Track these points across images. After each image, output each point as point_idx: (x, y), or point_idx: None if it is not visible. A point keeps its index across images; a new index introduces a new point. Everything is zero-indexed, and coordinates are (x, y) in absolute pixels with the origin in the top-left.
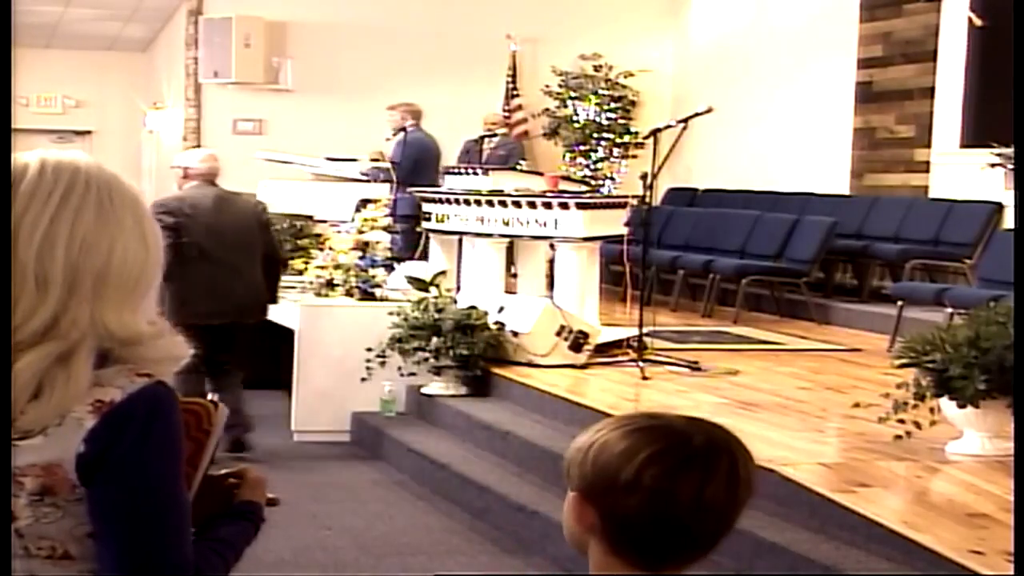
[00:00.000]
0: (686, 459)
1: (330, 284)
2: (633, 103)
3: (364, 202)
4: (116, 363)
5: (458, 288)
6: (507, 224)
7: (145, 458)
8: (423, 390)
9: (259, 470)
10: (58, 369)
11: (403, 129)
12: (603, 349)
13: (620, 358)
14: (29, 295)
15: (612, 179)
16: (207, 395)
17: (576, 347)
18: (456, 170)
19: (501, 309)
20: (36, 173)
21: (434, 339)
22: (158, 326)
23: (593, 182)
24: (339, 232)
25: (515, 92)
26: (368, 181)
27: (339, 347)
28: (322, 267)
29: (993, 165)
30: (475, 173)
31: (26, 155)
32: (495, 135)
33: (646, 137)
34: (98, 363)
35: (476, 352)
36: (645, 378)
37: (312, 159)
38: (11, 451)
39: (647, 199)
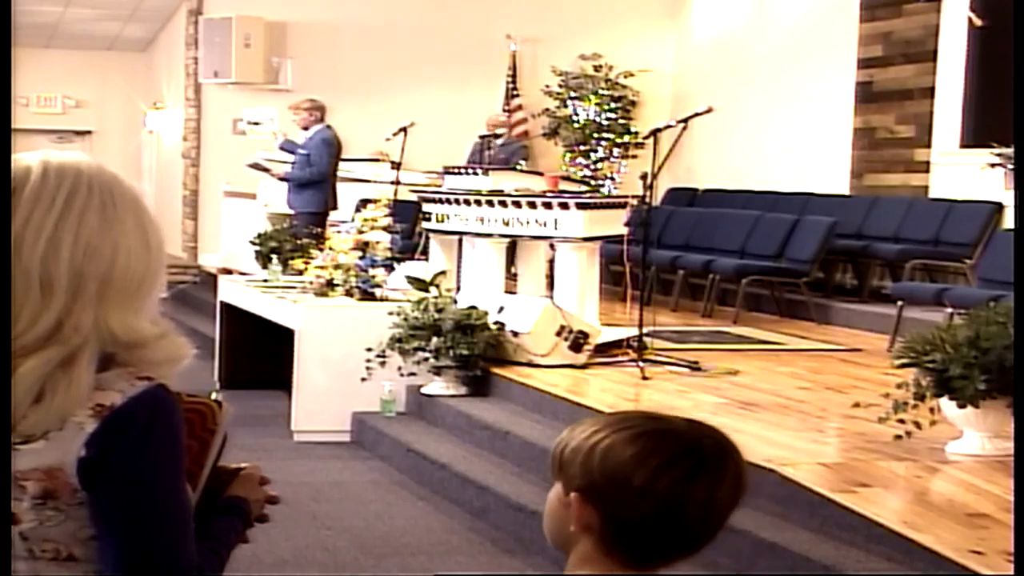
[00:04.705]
0: (698, 465)
1: (330, 284)
2: (633, 103)
3: (364, 202)
4: (118, 366)
5: (458, 288)
6: (507, 224)
7: (146, 461)
8: (423, 390)
9: (260, 469)
10: (60, 374)
11: (314, 124)
12: (603, 349)
13: (620, 358)
14: (34, 300)
15: (612, 179)
16: (211, 393)
17: (576, 347)
18: (456, 170)
19: (501, 309)
20: (39, 176)
21: (434, 339)
22: (160, 327)
23: (593, 182)
24: (339, 232)
25: (515, 92)
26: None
27: (339, 347)
28: (322, 267)
29: (993, 165)
30: (475, 173)
31: (27, 157)
32: (498, 135)
33: (646, 137)
34: (101, 366)
35: (476, 352)
36: (645, 378)
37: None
38: (11, 455)
39: (647, 199)
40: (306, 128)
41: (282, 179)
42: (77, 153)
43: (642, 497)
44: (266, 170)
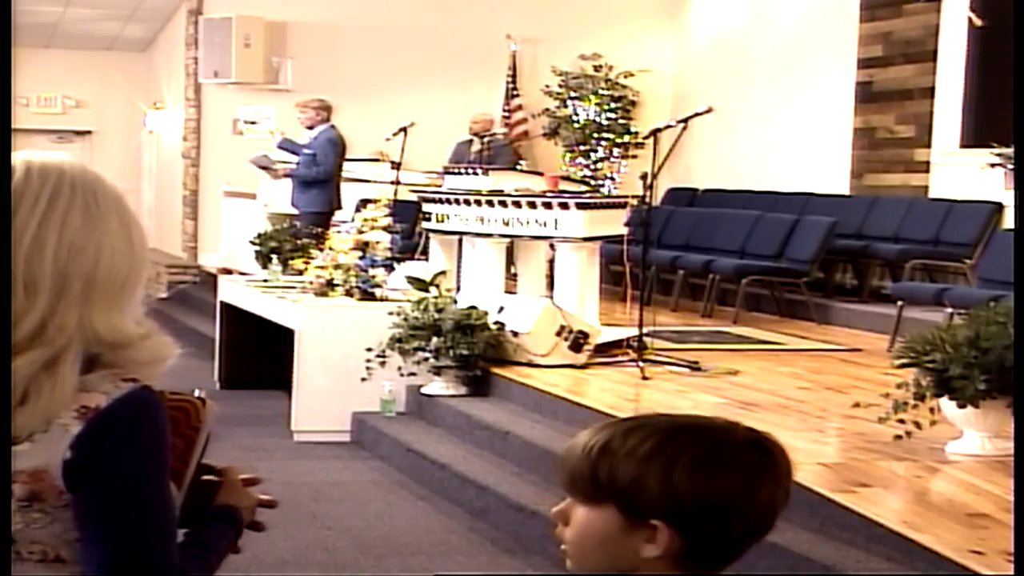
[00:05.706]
0: (778, 472)
1: (330, 284)
2: (633, 103)
3: (364, 202)
4: (103, 367)
5: (458, 288)
6: (507, 224)
7: (130, 463)
8: (423, 390)
9: (252, 470)
10: (44, 376)
11: (319, 124)
12: (603, 349)
13: (620, 358)
14: (18, 301)
15: (612, 179)
16: (194, 391)
17: (576, 347)
18: (456, 170)
19: (501, 309)
20: (22, 177)
21: (434, 339)
22: (145, 327)
23: (593, 182)
24: (339, 232)
25: (515, 92)
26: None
27: (339, 347)
28: (322, 267)
29: (993, 165)
30: (475, 173)
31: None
32: (485, 136)
33: (646, 137)
34: (85, 367)
35: (476, 352)
36: (645, 378)
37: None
38: (11, 452)
39: (647, 199)
40: (311, 127)
41: (287, 176)
42: (60, 153)
43: (735, 515)
44: (269, 168)
